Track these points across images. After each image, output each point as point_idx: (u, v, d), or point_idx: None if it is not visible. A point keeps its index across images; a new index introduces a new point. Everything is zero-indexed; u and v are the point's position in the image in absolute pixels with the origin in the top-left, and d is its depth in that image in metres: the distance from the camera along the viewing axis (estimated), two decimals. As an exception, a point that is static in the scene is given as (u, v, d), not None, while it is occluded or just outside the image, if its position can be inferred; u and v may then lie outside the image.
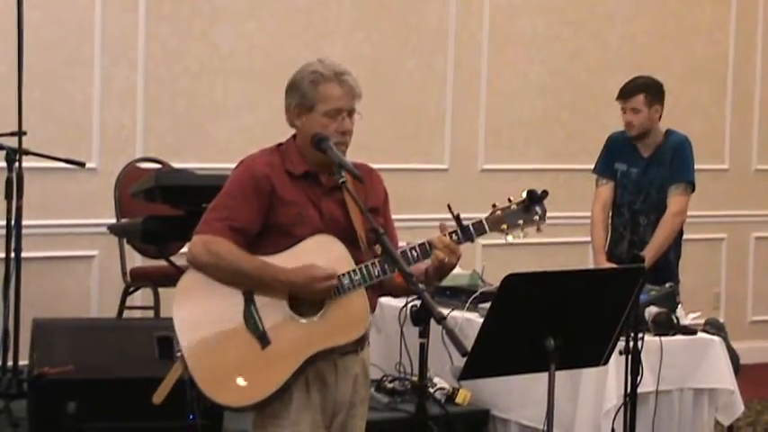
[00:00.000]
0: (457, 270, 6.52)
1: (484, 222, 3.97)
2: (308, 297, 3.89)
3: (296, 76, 4.03)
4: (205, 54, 7.47)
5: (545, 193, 4.00)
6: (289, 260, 3.90)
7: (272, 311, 3.89)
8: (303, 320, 3.90)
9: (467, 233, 3.96)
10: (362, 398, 4.11)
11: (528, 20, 8.46)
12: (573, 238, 8.24)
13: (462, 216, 3.97)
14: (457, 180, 8.22)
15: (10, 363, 6.00)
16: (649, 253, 6.18)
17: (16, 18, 5.97)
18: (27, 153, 6.09)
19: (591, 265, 7.03)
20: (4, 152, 6.02)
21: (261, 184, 3.95)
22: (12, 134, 6.04)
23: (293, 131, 4.08)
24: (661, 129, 6.52)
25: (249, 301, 3.89)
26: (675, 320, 5.64)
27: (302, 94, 3.99)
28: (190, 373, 3.86)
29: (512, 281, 3.85)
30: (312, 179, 4.03)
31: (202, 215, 3.99)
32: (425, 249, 3.93)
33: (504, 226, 3.97)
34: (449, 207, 3.95)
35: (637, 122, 6.45)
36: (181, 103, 7.45)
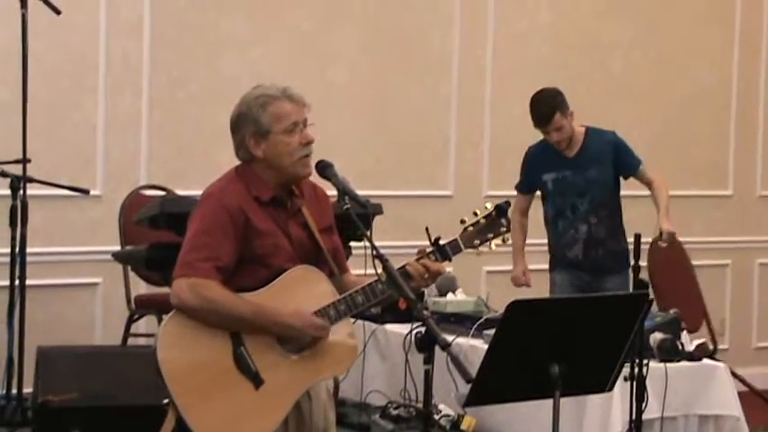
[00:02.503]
0: (462, 297, 6.59)
1: (459, 241, 4.07)
2: (300, 340, 3.89)
3: (240, 109, 4.02)
4: (209, 81, 7.49)
5: (508, 204, 4.19)
6: (275, 297, 3.88)
7: (263, 351, 3.86)
8: (294, 357, 3.89)
9: (444, 253, 4.03)
10: (332, 421, 4.13)
11: (532, 46, 8.47)
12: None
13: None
14: (461, 206, 8.18)
15: (14, 390, 5.99)
16: (664, 216, 6.37)
17: (21, 45, 5.99)
18: (31, 180, 6.10)
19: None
20: (8, 180, 6.03)
21: (235, 217, 3.91)
22: (16, 161, 6.05)
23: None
24: (576, 127, 6.64)
25: (238, 343, 3.85)
26: (680, 347, 5.63)
27: (254, 122, 3.97)
28: (185, 421, 3.79)
29: (516, 307, 3.84)
30: (278, 204, 4.02)
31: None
32: (408, 273, 3.95)
33: (477, 241, 4.10)
34: (426, 230, 4.05)
35: (564, 136, 6.61)
36: (185, 129, 7.46)
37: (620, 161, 6.66)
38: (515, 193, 6.86)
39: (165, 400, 3.82)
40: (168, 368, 3.80)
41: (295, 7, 7.74)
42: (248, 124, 3.98)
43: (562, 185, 6.66)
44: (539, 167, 6.76)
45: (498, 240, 4.13)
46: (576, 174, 6.60)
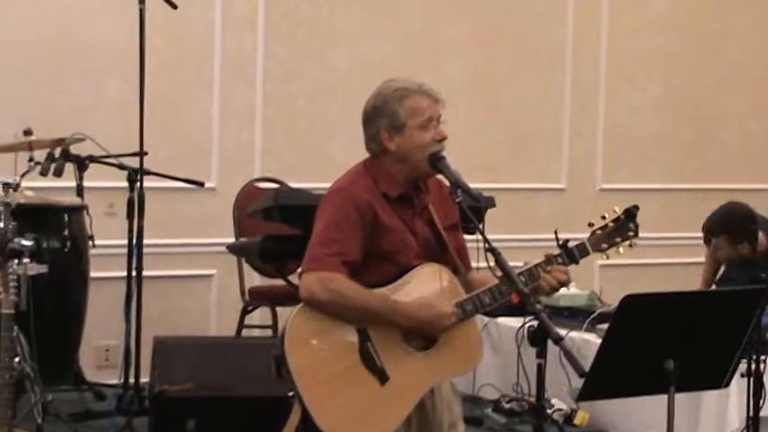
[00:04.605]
0: (575, 290, 6.55)
1: (587, 245, 4.02)
2: (430, 334, 3.88)
3: (376, 101, 3.97)
4: (322, 74, 7.54)
5: (637, 208, 4.06)
6: (403, 293, 3.88)
7: (389, 347, 3.84)
8: (420, 354, 3.88)
9: (571, 256, 3.98)
10: (458, 414, 4.10)
11: (647, 36, 8.38)
12: (692, 258, 8.12)
13: (581, 236, 4.00)
14: (574, 200, 8.16)
15: (132, 380, 6.08)
16: None
17: (138, 41, 6.07)
18: (148, 173, 6.18)
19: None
20: (125, 172, 6.12)
21: (364, 213, 3.88)
22: (133, 155, 6.13)
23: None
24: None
25: (365, 339, 3.83)
26: (799, 342, 5.53)
27: (390, 115, 3.93)
28: (310, 415, 3.79)
29: (630, 302, 3.80)
30: (406, 201, 4.01)
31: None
32: (533, 274, 3.93)
33: (605, 245, 4.04)
34: (555, 233, 4.00)
35: (723, 256, 6.41)
36: (298, 122, 7.52)
37: None
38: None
39: (290, 393, 3.84)
40: (295, 362, 3.79)
41: (408, 0, 7.74)
42: (383, 117, 3.95)
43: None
44: None
45: (626, 244, 4.06)
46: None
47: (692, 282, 7.86)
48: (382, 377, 3.83)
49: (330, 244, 3.86)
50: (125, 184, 6.12)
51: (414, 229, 3.98)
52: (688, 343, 3.87)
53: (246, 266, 6.92)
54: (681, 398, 3.95)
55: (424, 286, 3.90)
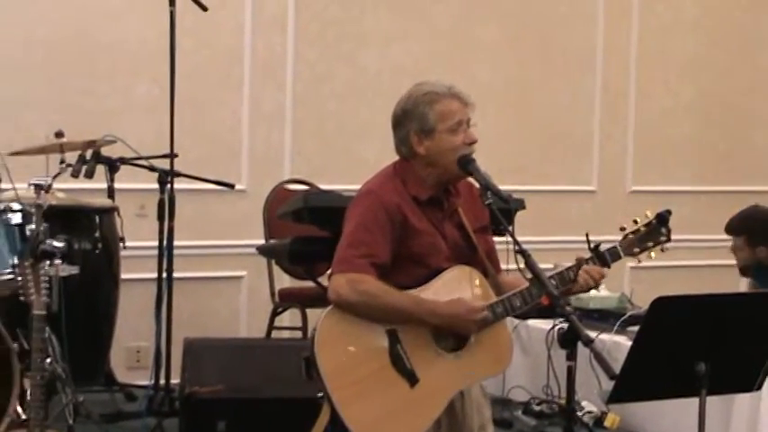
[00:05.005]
0: (605, 293, 6.53)
1: (619, 249, 4.03)
2: (460, 331, 3.87)
3: (406, 105, 3.97)
4: (352, 76, 7.54)
5: (670, 213, 4.06)
6: (434, 294, 3.88)
7: (419, 349, 3.84)
8: (450, 356, 3.88)
9: (603, 261, 3.99)
10: (488, 417, 4.10)
11: (677, 39, 8.36)
12: (723, 260, 8.09)
13: (611, 239, 3.99)
14: (605, 202, 8.14)
15: (162, 381, 6.10)
16: None
17: (169, 43, 6.09)
18: (178, 175, 6.20)
19: (741, 289, 6.91)
20: (156, 174, 6.14)
21: (393, 215, 3.89)
22: (164, 156, 6.15)
23: None
24: None
25: (394, 340, 3.83)
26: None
27: (420, 119, 3.93)
28: (339, 416, 3.79)
29: (661, 304, 3.78)
30: (435, 204, 4.01)
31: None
32: (565, 278, 3.92)
33: (636, 249, 4.05)
34: (586, 236, 3.99)
35: (739, 257, 6.25)
36: (328, 124, 7.53)
37: None
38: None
39: (320, 394, 3.84)
40: (325, 363, 3.79)
41: (437, 2, 7.75)
42: (413, 121, 3.95)
43: None
44: None
45: (658, 249, 4.07)
46: None
47: (723, 284, 7.84)
48: (412, 379, 3.82)
49: (359, 246, 3.87)
50: (156, 185, 6.14)
51: (443, 231, 3.98)
52: (719, 345, 3.85)
53: (276, 268, 6.93)
54: (712, 400, 3.93)
55: (455, 288, 3.90)
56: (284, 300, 6.84)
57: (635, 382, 3.84)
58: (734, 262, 6.84)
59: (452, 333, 3.88)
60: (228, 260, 7.31)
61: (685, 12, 8.39)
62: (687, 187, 8.36)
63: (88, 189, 6.28)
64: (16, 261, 5.01)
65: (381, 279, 3.85)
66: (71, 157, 6.03)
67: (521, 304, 3.89)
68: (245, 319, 7.36)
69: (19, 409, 4.95)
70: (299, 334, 6.72)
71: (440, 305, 3.84)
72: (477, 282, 3.95)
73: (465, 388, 3.97)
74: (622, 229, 4.06)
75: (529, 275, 3.84)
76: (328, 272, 3.99)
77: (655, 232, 4.06)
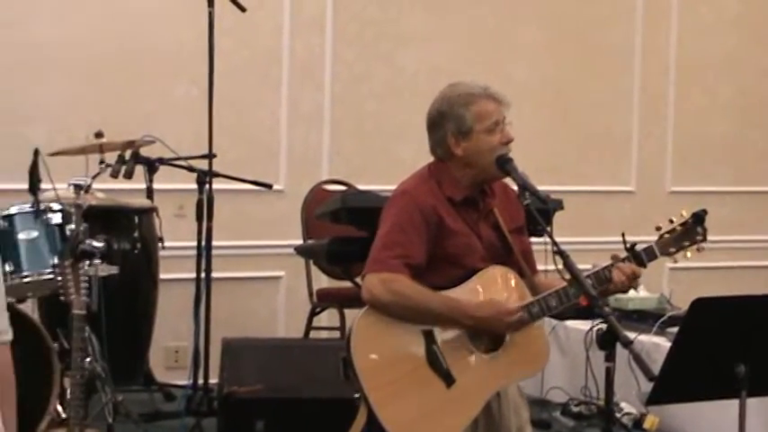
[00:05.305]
0: (644, 293, 6.50)
1: (655, 248, 4.01)
2: (495, 331, 3.87)
3: (441, 107, 3.98)
4: (390, 76, 7.55)
5: (705, 212, 4.05)
6: (470, 294, 3.87)
7: (455, 349, 3.84)
8: (487, 356, 3.87)
9: (639, 260, 3.98)
10: (526, 418, 4.09)
11: (717, 38, 8.31)
12: (763, 261, 8.06)
13: (649, 239, 3.99)
14: (643, 202, 8.11)
15: (201, 381, 6.12)
16: None
17: (207, 43, 6.11)
18: (217, 175, 6.22)
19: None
20: (195, 174, 6.16)
21: (429, 217, 3.89)
22: (203, 157, 6.17)
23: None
24: None
25: (430, 340, 3.83)
26: None
27: (456, 120, 3.94)
28: (376, 417, 3.78)
29: (701, 305, 3.77)
30: (470, 205, 4.00)
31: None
32: (601, 278, 3.91)
33: (672, 249, 4.04)
34: (623, 236, 3.98)
35: None
36: (366, 124, 7.53)
37: None
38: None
39: (357, 395, 3.84)
40: (361, 363, 3.79)
41: (475, 2, 7.74)
42: (450, 122, 3.95)
43: None
44: None
45: (694, 248, 4.05)
46: None
47: (763, 285, 7.79)
48: (448, 379, 3.82)
49: (393, 246, 3.87)
50: (194, 186, 6.16)
51: (479, 232, 3.98)
52: (759, 347, 3.83)
53: (314, 268, 6.94)
54: (753, 402, 3.91)
55: (490, 288, 3.90)
56: (322, 300, 6.85)
57: (674, 384, 3.82)
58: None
59: (488, 333, 3.88)
60: (267, 260, 7.32)
61: (725, 10, 8.34)
62: (726, 188, 8.32)
63: (127, 189, 6.31)
64: (56, 261, 5.05)
65: (416, 280, 3.85)
66: (110, 157, 6.06)
67: (557, 304, 3.88)
68: (283, 319, 7.38)
69: (59, 407, 5.00)
70: (337, 334, 6.72)
71: (473, 307, 3.84)
72: (513, 282, 3.94)
73: (501, 389, 3.96)
74: (658, 228, 4.05)
75: (567, 276, 3.83)
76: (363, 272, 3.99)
77: (691, 232, 4.05)
